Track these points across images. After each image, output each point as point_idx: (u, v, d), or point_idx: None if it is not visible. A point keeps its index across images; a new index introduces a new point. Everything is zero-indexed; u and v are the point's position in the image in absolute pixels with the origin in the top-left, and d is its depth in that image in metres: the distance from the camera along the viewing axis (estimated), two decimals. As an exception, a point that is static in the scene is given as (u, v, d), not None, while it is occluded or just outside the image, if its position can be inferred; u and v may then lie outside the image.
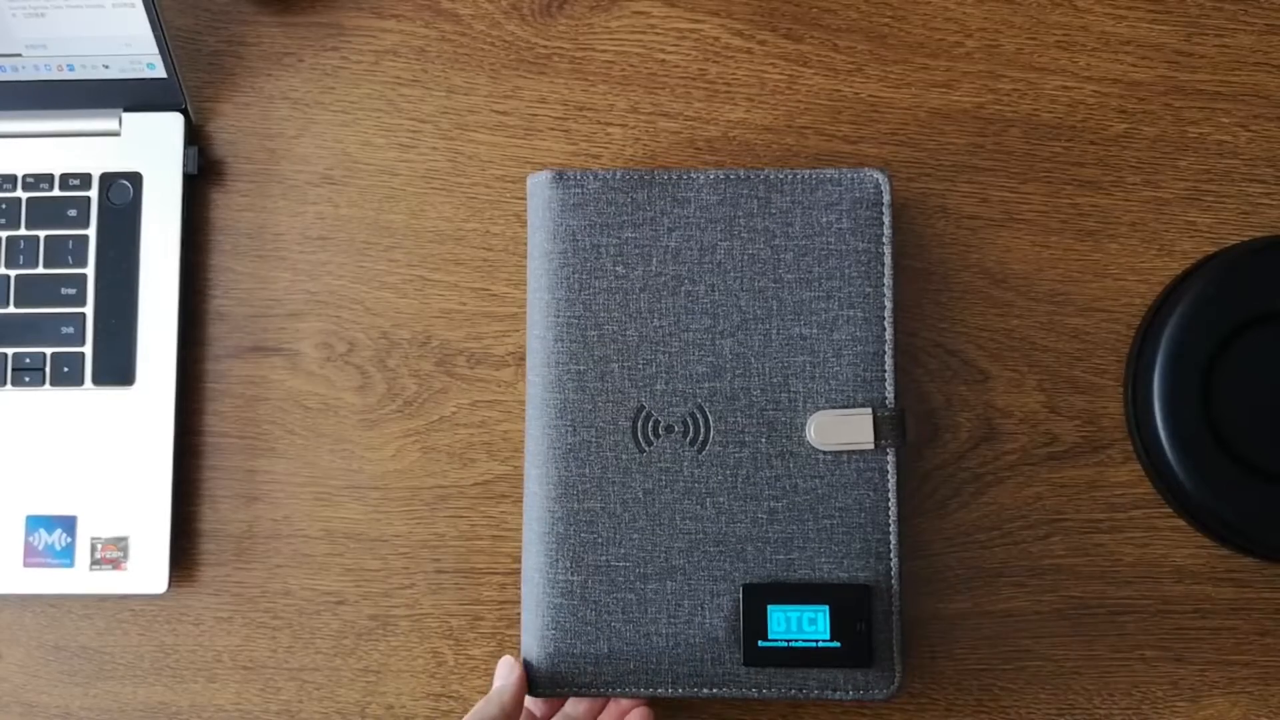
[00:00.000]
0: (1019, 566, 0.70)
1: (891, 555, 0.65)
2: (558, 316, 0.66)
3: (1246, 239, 0.72)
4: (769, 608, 0.64)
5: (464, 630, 0.70)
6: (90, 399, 0.70)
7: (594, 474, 0.65)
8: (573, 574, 0.65)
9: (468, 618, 0.70)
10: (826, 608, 0.64)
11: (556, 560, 0.65)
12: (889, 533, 0.65)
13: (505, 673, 0.64)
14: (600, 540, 0.65)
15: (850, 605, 0.64)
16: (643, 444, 0.65)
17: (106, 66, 0.71)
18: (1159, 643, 0.70)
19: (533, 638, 0.65)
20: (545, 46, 0.74)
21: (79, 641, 0.71)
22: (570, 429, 0.65)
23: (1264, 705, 0.69)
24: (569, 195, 0.67)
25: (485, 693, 0.70)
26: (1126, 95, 0.73)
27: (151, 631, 0.71)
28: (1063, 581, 0.70)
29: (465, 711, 0.70)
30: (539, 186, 0.67)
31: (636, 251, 0.66)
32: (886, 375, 0.66)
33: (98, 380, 0.70)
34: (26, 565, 0.69)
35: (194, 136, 0.73)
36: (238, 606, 0.71)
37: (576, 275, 0.66)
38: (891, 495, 0.65)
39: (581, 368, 0.66)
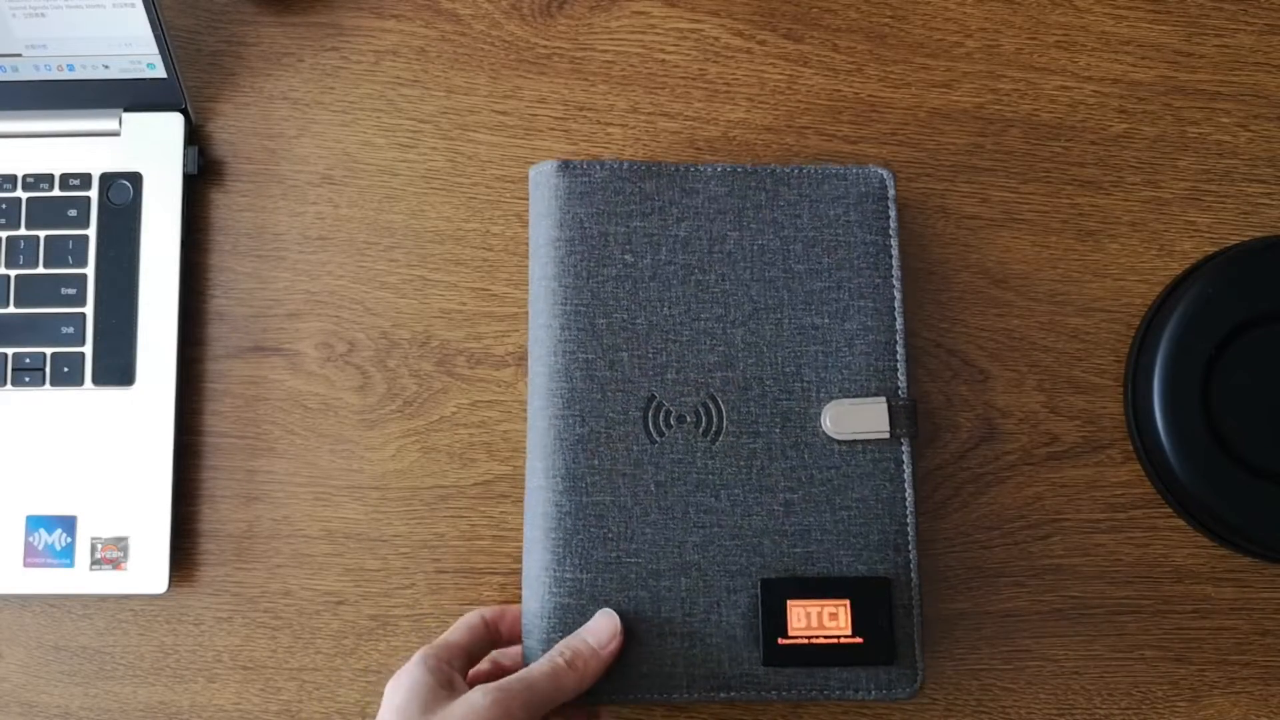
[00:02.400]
0: (1019, 566, 0.70)
1: (910, 548, 0.63)
2: (565, 304, 0.65)
3: (1246, 239, 0.72)
4: (788, 603, 0.62)
5: (464, 630, 0.70)
6: (90, 399, 0.70)
7: (604, 466, 0.63)
8: (581, 572, 0.62)
9: (468, 618, 0.70)
10: (847, 601, 0.62)
11: (564, 558, 0.62)
12: (906, 524, 0.64)
13: (608, 635, 0.60)
14: (610, 536, 0.62)
15: (872, 599, 0.62)
16: (654, 435, 0.64)
17: (106, 66, 0.71)
18: (1159, 643, 0.70)
19: (536, 642, 0.62)
20: (545, 46, 0.74)
21: (79, 641, 0.71)
22: (579, 419, 0.63)
23: (1264, 705, 0.69)
24: (576, 184, 0.66)
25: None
26: (1126, 95, 0.73)
27: (151, 631, 0.71)
28: (1063, 581, 0.70)
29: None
30: (543, 176, 0.67)
31: (645, 240, 0.65)
32: (899, 364, 0.65)
33: (98, 380, 0.70)
34: (26, 565, 0.69)
35: (194, 136, 0.73)
36: (238, 606, 0.71)
37: (584, 263, 0.65)
38: (908, 486, 0.64)
39: (590, 356, 0.64)
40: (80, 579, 0.69)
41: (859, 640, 0.61)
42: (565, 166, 0.66)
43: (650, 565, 0.62)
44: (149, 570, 0.69)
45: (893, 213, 0.66)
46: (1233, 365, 0.68)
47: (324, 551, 0.71)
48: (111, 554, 0.69)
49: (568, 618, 0.62)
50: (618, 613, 0.61)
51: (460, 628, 0.61)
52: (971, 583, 0.70)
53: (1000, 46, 0.73)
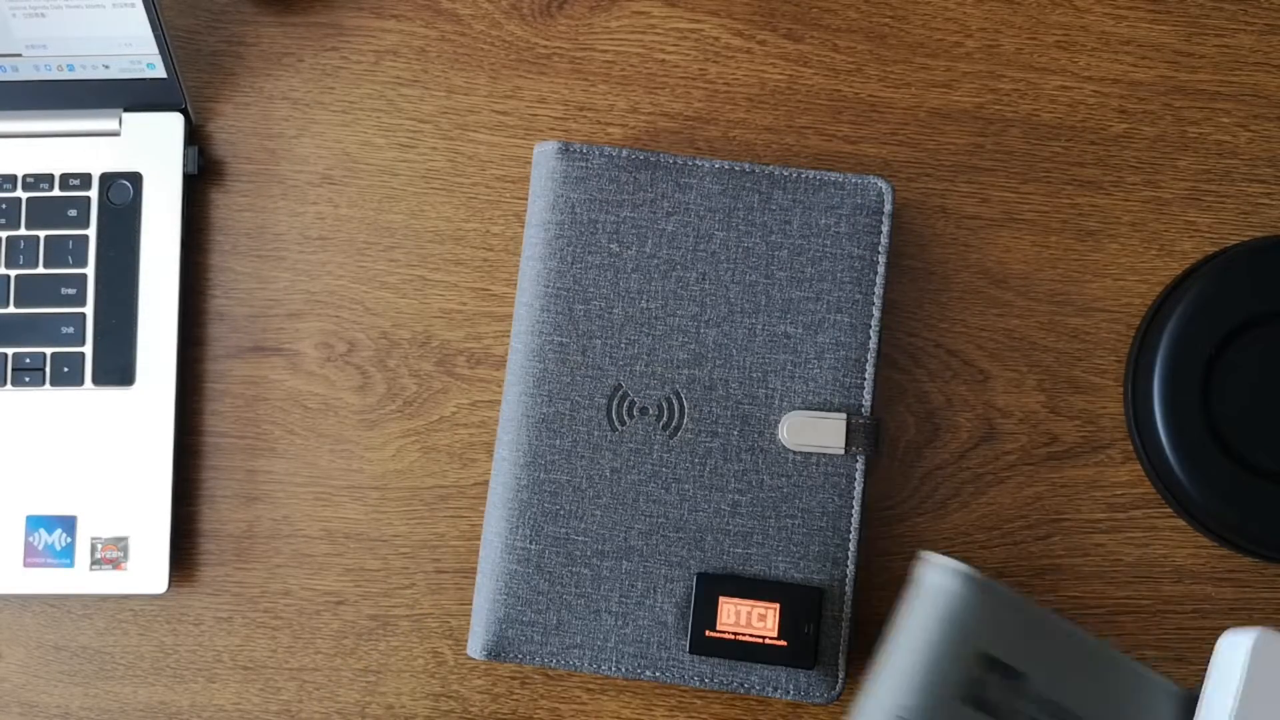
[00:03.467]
0: (1019, 566, 0.70)
1: (848, 562, 0.65)
2: (547, 286, 0.66)
3: (1246, 239, 0.72)
4: (720, 599, 0.64)
5: (464, 630, 0.70)
6: (90, 399, 0.70)
7: (564, 446, 0.66)
8: (531, 542, 0.65)
9: (468, 618, 0.70)
10: (777, 605, 0.64)
11: (517, 527, 0.65)
12: (849, 539, 0.65)
13: None
14: (562, 512, 0.65)
15: (801, 606, 0.64)
16: (616, 423, 0.66)
17: (106, 66, 0.71)
18: (1159, 643, 0.70)
19: (484, 600, 0.66)
20: (545, 46, 0.74)
21: (79, 641, 0.71)
22: (545, 399, 0.66)
23: (1264, 705, 0.69)
24: (573, 168, 0.67)
25: (486, 692, 0.70)
26: (1126, 95, 0.73)
27: (151, 631, 0.71)
28: (1063, 581, 0.70)
29: (465, 712, 0.70)
30: (545, 156, 0.68)
31: (633, 231, 0.67)
32: (866, 383, 0.66)
33: (98, 380, 0.70)
34: (26, 565, 0.69)
35: (194, 136, 0.73)
36: (238, 606, 0.71)
37: (570, 248, 0.66)
38: (856, 502, 0.65)
39: (564, 339, 0.66)
40: (80, 579, 0.69)
41: (783, 643, 0.64)
42: (565, 150, 0.67)
43: (596, 545, 0.65)
44: (149, 570, 0.69)
45: (885, 228, 0.66)
46: (1233, 365, 0.68)
47: (324, 551, 0.71)
48: (111, 554, 0.69)
49: (514, 583, 0.65)
50: (560, 585, 0.66)
51: None
52: (971, 583, 0.70)
53: (1000, 46, 0.73)
